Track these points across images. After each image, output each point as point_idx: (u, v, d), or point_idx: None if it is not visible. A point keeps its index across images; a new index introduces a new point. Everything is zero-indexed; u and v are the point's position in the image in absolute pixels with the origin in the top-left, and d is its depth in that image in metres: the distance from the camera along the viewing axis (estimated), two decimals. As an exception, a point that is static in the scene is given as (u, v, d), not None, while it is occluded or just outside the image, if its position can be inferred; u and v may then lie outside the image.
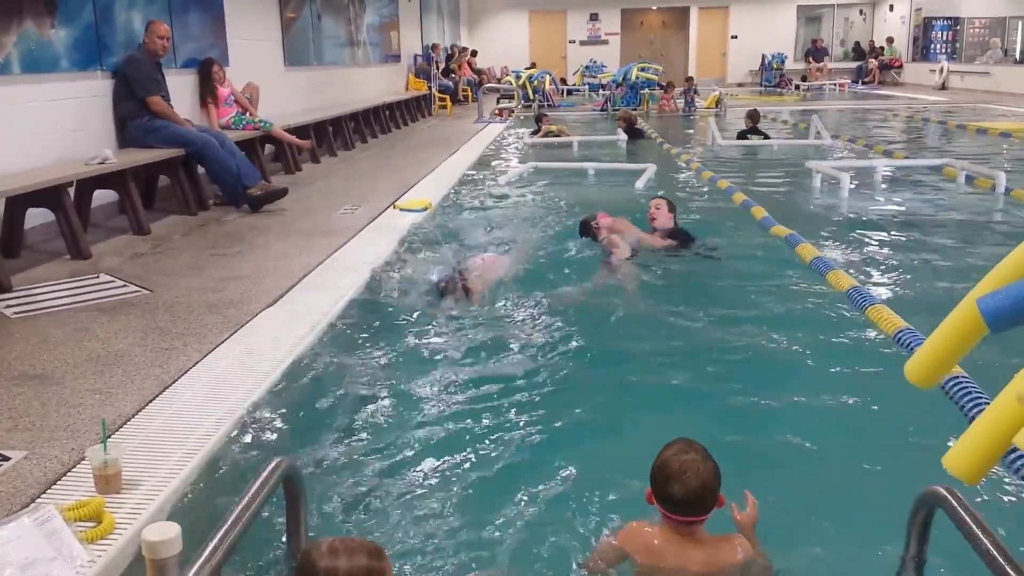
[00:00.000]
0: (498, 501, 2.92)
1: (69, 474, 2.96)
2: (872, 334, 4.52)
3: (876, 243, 6.79)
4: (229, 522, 1.89)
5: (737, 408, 3.69)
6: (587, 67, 26.42)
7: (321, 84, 13.67)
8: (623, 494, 2.89)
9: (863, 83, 28.93)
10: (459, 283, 5.11)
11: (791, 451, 3.34)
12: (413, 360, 4.24)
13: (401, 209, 7.93)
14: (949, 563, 2.37)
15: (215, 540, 1.81)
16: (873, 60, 29.79)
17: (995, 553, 1.87)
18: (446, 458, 3.24)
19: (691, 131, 16.31)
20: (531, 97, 22.13)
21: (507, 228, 7.01)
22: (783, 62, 29.22)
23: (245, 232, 7.10)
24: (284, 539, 2.52)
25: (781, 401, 3.75)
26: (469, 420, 3.57)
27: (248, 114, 9.50)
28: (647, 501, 2.42)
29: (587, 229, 6.01)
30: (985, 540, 1.91)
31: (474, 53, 26.61)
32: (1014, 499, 2.89)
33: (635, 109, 18.65)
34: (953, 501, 2.06)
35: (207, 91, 9.16)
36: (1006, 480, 2.97)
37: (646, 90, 20.48)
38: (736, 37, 31.65)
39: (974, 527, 1.96)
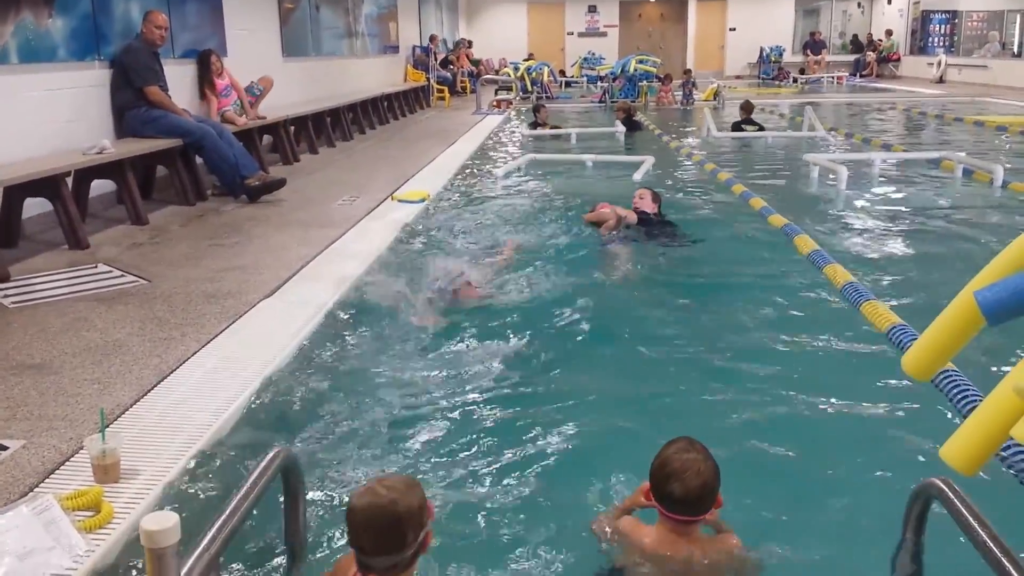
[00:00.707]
0: (495, 492, 2.92)
1: (67, 463, 2.97)
2: (868, 327, 4.53)
3: (873, 236, 6.80)
4: (228, 511, 1.89)
5: (731, 401, 3.70)
6: (585, 59, 26.28)
7: (319, 75, 13.64)
8: (622, 487, 2.90)
9: (861, 76, 28.88)
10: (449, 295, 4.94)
11: (787, 443, 3.34)
12: (411, 350, 4.25)
13: (399, 200, 7.92)
14: (945, 555, 2.38)
15: (214, 529, 1.81)
16: (871, 53, 29.73)
17: (991, 545, 1.88)
18: (444, 448, 3.25)
19: (689, 124, 16.29)
20: (529, 89, 22.10)
21: (493, 230, 6.95)
22: (781, 55, 29.19)
23: (243, 223, 7.10)
24: (282, 528, 2.53)
25: (777, 394, 3.76)
26: (467, 411, 3.58)
27: (242, 105, 9.44)
28: (644, 498, 2.41)
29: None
30: (981, 532, 1.92)
31: (470, 44, 26.54)
32: (1010, 491, 2.90)
33: (633, 101, 18.60)
34: (949, 493, 2.07)
35: (205, 82, 9.13)
36: (1002, 472, 2.98)
37: (644, 82, 20.45)
38: (734, 29, 31.56)
39: (970, 519, 1.97)
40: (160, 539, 1.55)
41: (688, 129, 15.38)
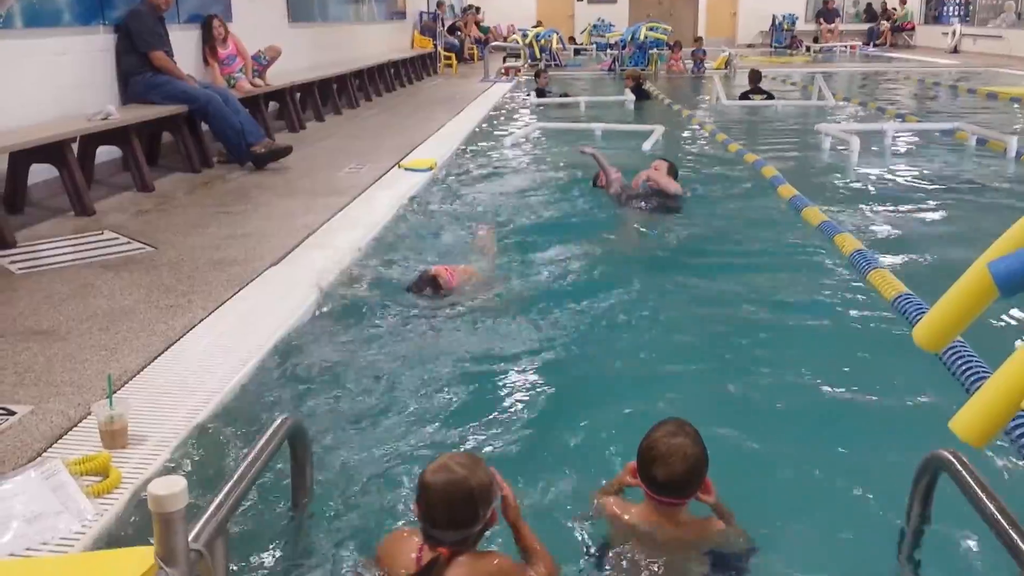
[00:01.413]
0: (497, 461, 2.92)
1: (75, 429, 2.98)
2: (878, 298, 4.51)
3: (885, 207, 6.75)
4: (235, 477, 1.89)
5: (735, 373, 3.68)
6: (595, 26, 26.09)
7: (326, 41, 13.54)
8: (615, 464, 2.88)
9: (875, 45, 28.57)
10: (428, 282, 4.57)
11: (792, 414, 3.35)
12: (418, 320, 4.24)
13: (406, 169, 7.88)
14: (952, 527, 2.37)
15: (221, 495, 1.82)
16: (885, 22, 29.39)
17: (999, 517, 1.87)
18: (450, 418, 3.25)
19: (699, 93, 16.15)
20: (538, 56, 21.91)
21: (497, 201, 6.89)
22: (794, 23, 28.84)
23: (250, 190, 7.07)
24: (289, 494, 2.54)
25: (782, 366, 3.75)
26: (470, 382, 3.58)
27: (245, 69, 9.36)
28: (630, 475, 2.41)
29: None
30: (989, 504, 1.91)
31: (478, 10, 26.31)
32: (1018, 464, 2.89)
33: (643, 69, 18.45)
34: (958, 465, 2.06)
35: (207, 47, 9.06)
36: (1008, 445, 2.97)
37: (654, 50, 20.25)
38: (747, -3, 31.22)
39: (978, 491, 1.96)
40: (168, 504, 1.55)
41: (698, 98, 15.26)
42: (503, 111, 13.38)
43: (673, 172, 6.80)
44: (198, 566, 1.65)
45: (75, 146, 6.33)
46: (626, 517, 2.38)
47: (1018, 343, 3.88)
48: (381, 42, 16.90)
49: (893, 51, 27.27)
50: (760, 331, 4.16)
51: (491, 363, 3.74)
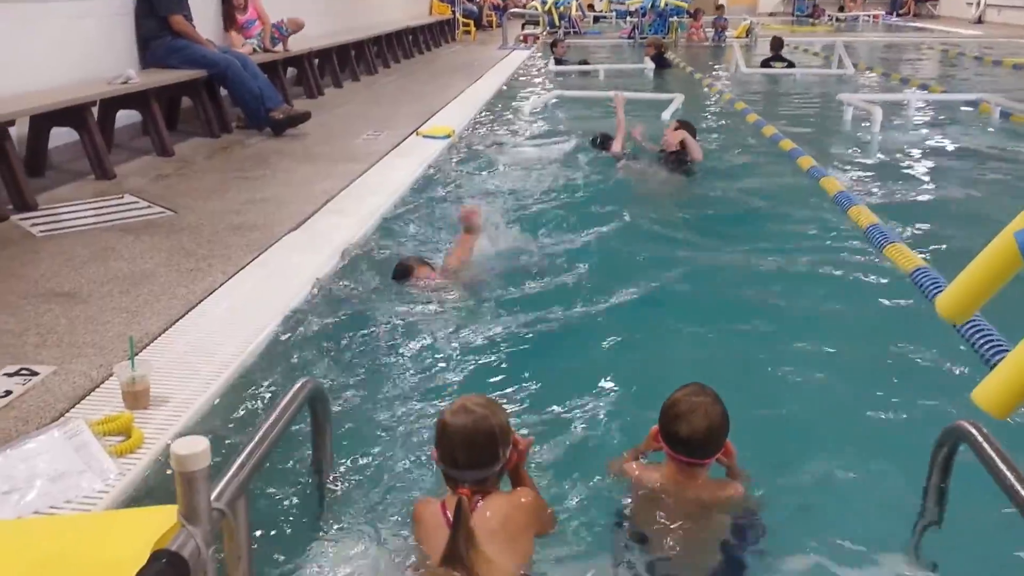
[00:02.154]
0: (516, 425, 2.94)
1: (97, 390, 3.01)
2: (895, 269, 4.48)
3: (907, 178, 6.68)
4: (257, 438, 1.91)
5: (751, 343, 3.68)
6: (614, -7, 25.74)
7: (344, 7, 13.44)
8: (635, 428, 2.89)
9: (898, 15, 28.16)
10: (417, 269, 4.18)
11: (809, 385, 3.34)
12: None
13: (424, 136, 7.86)
14: (971, 499, 2.37)
15: (243, 455, 1.83)
16: (909, -9, 28.96)
17: (1019, 488, 1.86)
18: (468, 383, 3.26)
19: (720, 61, 15.98)
20: (557, 23, 21.70)
21: (514, 171, 6.85)
22: (816, -9, 28.46)
23: (268, 155, 7.08)
24: (309, 457, 2.57)
25: (799, 336, 3.73)
26: (486, 347, 3.59)
27: (263, 34, 9.32)
28: (653, 440, 2.42)
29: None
30: (1009, 475, 1.90)
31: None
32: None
33: (663, 37, 18.25)
34: (978, 436, 2.04)
35: (226, 14, 9.03)
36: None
37: (675, 18, 20.02)
38: (769, -36, 30.79)
39: (998, 462, 1.95)
40: (191, 463, 1.56)
41: (718, 67, 15.09)
42: (521, 79, 13.29)
43: (683, 128, 6.78)
44: (220, 525, 1.66)
45: (95, 110, 6.33)
46: (648, 478, 2.41)
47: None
48: (399, 8, 16.78)
49: (916, 21, 26.86)
50: (776, 300, 4.15)
51: (505, 328, 3.75)
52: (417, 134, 7.94)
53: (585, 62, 14.53)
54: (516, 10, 23.59)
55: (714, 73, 13.88)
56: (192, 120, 7.95)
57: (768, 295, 4.22)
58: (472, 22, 20.70)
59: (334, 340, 3.62)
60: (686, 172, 6.50)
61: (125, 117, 6.99)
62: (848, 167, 6.98)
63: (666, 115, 9.17)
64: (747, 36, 19.14)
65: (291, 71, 10.35)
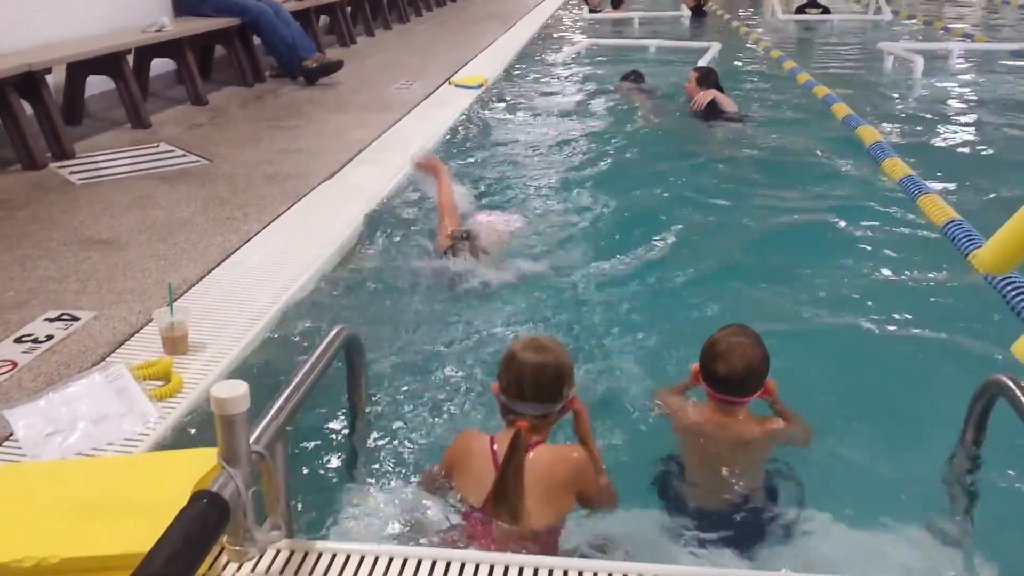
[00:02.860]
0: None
1: (137, 335, 3.06)
2: (930, 224, 4.41)
3: (948, 130, 6.54)
4: (294, 383, 1.94)
5: (784, 296, 3.65)
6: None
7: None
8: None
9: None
10: (467, 243, 3.82)
11: (841, 339, 3.31)
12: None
13: (456, 85, 7.79)
14: (1005, 454, 2.36)
15: (281, 399, 1.86)
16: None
17: (1056, 442, 1.85)
18: (506, 325, 3.28)
19: (758, 7, 15.63)
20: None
21: (546, 120, 6.80)
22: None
23: (302, 105, 7.07)
24: (344, 404, 2.61)
25: (833, 291, 3.70)
26: (530, 287, 3.61)
27: None
28: (694, 377, 2.46)
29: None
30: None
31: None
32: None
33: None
34: (1016, 390, 2.03)
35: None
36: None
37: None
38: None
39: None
40: (231, 407, 1.59)
41: (755, 14, 14.78)
42: (555, 28, 13.11)
43: (709, 83, 6.72)
44: (259, 467, 1.70)
45: (130, 58, 6.35)
46: (688, 414, 2.47)
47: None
48: (432, -45, 16.54)
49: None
50: (806, 253, 4.11)
51: (541, 279, 3.75)
52: (450, 83, 7.88)
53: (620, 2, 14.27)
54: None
55: (752, 21, 13.59)
56: (225, 69, 7.94)
57: (798, 247, 4.19)
58: (505, -31, 20.36)
59: (369, 288, 3.65)
60: (725, 120, 6.42)
61: (160, 66, 7.00)
62: (887, 118, 6.84)
63: (702, 64, 9.01)
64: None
65: (324, 19, 10.29)
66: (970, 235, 3.97)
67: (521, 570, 1.79)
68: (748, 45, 10.98)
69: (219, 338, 3.01)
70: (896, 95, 7.94)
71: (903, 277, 3.85)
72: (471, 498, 2.11)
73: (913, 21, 12.98)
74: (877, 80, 8.71)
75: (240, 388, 1.60)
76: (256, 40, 7.99)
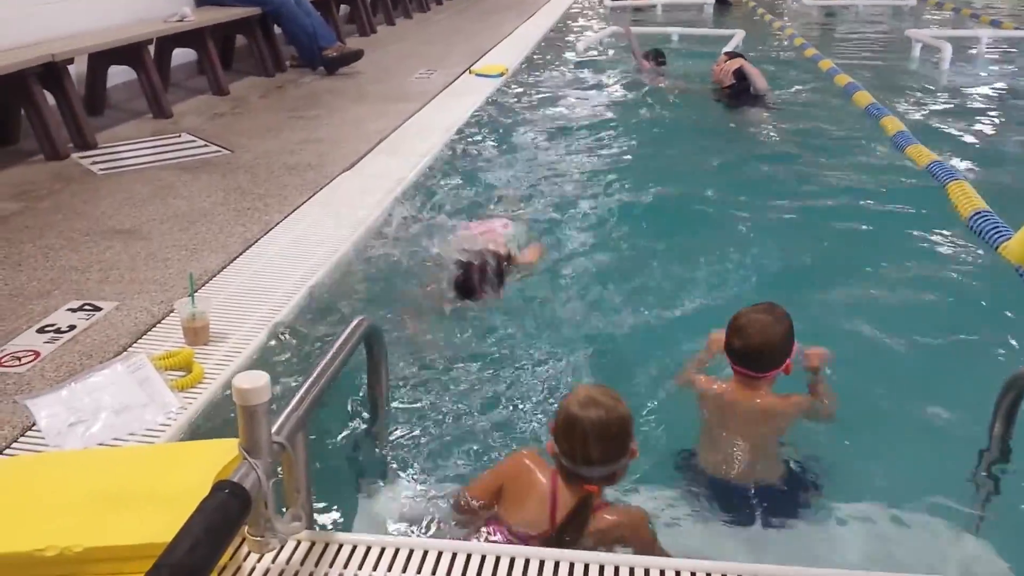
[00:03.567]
0: (585, 352, 2.99)
1: (158, 325, 3.06)
2: (956, 215, 4.35)
3: (975, 119, 6.45)
4: (315, 375, 1.93)
5: (813, 283, 3.63)
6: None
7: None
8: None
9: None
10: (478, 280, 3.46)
11: (869, 329, 3.27)
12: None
13: (477, 75, 7.76)
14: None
15: (302, 391, 1.85)
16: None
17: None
18: (521, 316, 3.27)
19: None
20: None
21: (568, 111, 6.77)
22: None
23: (322, 95, 7.07)
24: (365, 393, 2.60)
25: (857, 280, 3.67)
26: (553, 283, 3.60)
27: None
28: (712, 345, 2.54)
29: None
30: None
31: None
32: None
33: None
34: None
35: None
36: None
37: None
38: None
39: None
40: (252, 397, 1.58)
41: (781, 1, 14.65)
42: (575, 16, 13.03)
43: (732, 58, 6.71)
44: (280, 458, 1.69)
45: (152, 49, 6.37)
46: (712, 387, 2.50)
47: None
48: (452, -56, 16.48)
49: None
50: (831, 242, 4.08)
51: (561, 260, 3.74)
52: (470, 72, 7.85)
53: None
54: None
55: (777, 8, 13.46)
56: (246, 59, 7.96)
57: (823, 236, 4.15)
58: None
59: (390, 279, 3.64)
60: (752, 104, 6.37)
61: (181, 56, 7.02)
62: (915, 106, 6.75)
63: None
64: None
65: (344, 8, 10.28)
66: (996, 226, 3.92)
67: (542, 563, 1.77)
68: (773, 32, 10.87)
69: (240, 328, 3.01)
70: (924, 82, 7.83)
71: (932, 267, 3.80)
72: (515, 526, 2.04)
73: (941, 9, 12.80)
74: (905, 67, 8.60)
75: (262, 378, 1.60)
76: (277, 30, 8.00)
